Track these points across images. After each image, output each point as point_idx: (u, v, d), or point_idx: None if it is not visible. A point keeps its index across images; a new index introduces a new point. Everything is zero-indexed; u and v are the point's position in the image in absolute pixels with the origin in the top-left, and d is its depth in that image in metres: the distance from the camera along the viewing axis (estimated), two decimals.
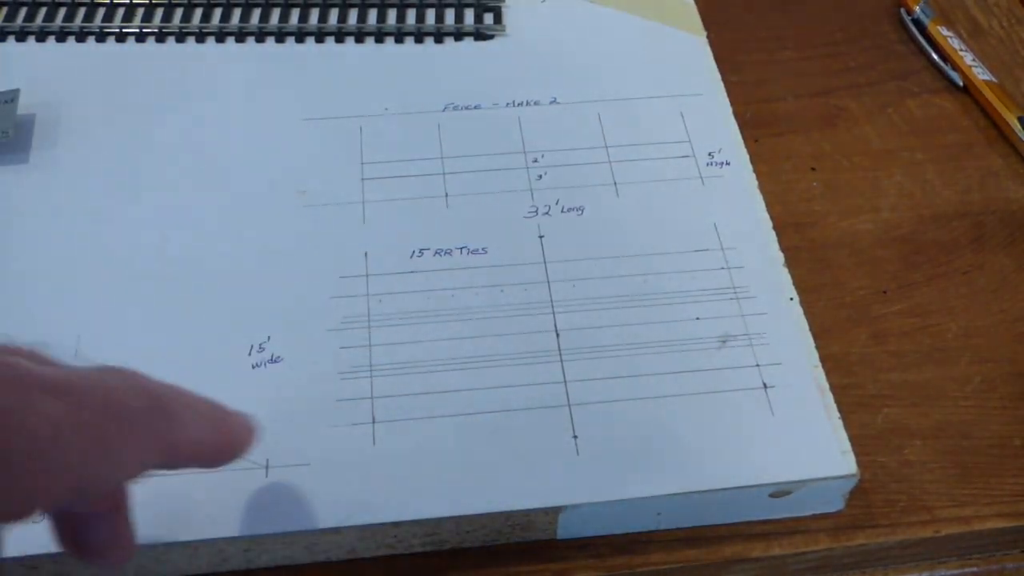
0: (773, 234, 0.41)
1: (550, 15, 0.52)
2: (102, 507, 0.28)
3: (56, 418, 0.22)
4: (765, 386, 0.36)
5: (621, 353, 0.37)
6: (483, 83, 0.48)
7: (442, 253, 0.40)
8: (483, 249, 0.40)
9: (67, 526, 0.28)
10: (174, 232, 0.41)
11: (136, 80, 0.47)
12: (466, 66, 0.49)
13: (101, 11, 0.50)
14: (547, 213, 0.42)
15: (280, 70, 0.48)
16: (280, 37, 0.50)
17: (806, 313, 0.39)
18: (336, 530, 0.32)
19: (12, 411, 0.22)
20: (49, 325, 0.38)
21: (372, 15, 0.51)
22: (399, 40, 0.50)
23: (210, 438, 0.28)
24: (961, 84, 0.51)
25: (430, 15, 0.51)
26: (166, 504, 0.32)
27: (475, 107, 0.46)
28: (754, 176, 0.44)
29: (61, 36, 0.49)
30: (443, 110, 0.46)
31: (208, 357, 0.37)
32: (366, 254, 0.40)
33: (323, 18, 0.51)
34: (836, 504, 0.35)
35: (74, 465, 0.23)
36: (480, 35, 0.50)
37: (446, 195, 0.43)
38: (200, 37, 0.50)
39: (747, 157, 0.44)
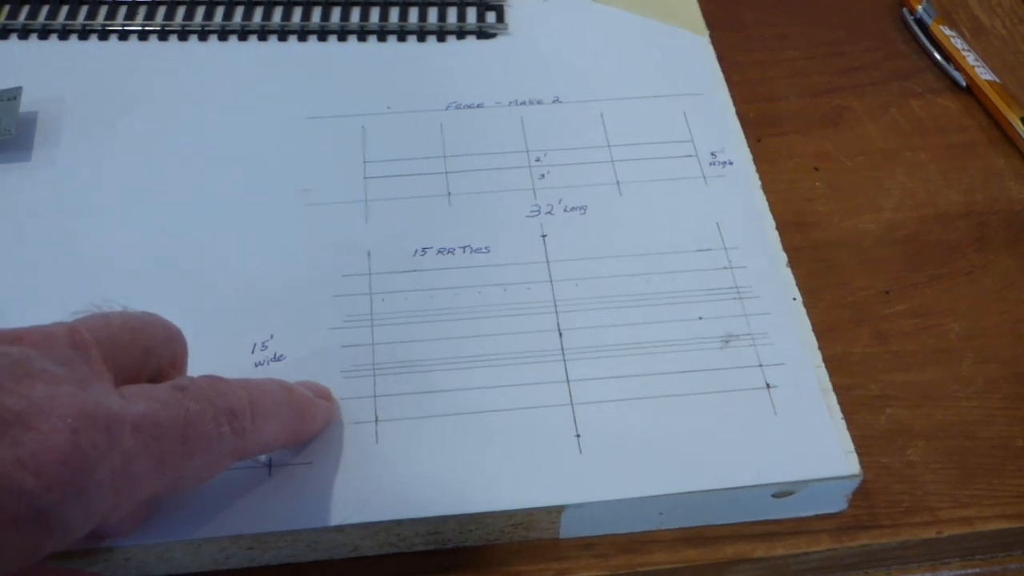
0: (776, 234, 0.41)
1: (553, 14, 0.52)
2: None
3: (132, 453, 0.24)
4: (768, 386, 0.36)
5: (624, 352, 0.37)
6: (486, 82, 0.48)
7: (444, 252, 0.40)
8: (485, 248, 0.40)
9: None
10: (176, 231, 0.41)
11: (138, 78, 0.47)
12: (469, 65, 0.49)
13: (104, 9, 0.50)
14: (550, 212, 0.42)
15: (283, 68, 0.48)
16: (283, 35, 0.50)
17: (809, 313, 0.39)
18: (339, 528, 0.32)
19: (97, 449, 0.23)
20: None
21: (375, 13, 0.51)
22: (402, 39, 0.50)
23: (282, 437, 0.31)
24: (964, 84, 0.51)
25: (433, 13, 0.51)
26: (168, 502, 0.32)
27: (478, 106, 0.46)
28: (757, 176, 0.44)
29: (64, 34, 0.49)
30: (446, 109, 0.46)
31: (211, 355, 0.36)
32: (368, 252, 0.40)
33: (326, 16, 0.51)
34: (839, 504, 0.35)
35: (143, 487, 0.25)
36: (483, 34, 0.50)
37: (448, 194, 0.43)
38: (203, 35, 0.50)
39: (750, 156, 0.44)
